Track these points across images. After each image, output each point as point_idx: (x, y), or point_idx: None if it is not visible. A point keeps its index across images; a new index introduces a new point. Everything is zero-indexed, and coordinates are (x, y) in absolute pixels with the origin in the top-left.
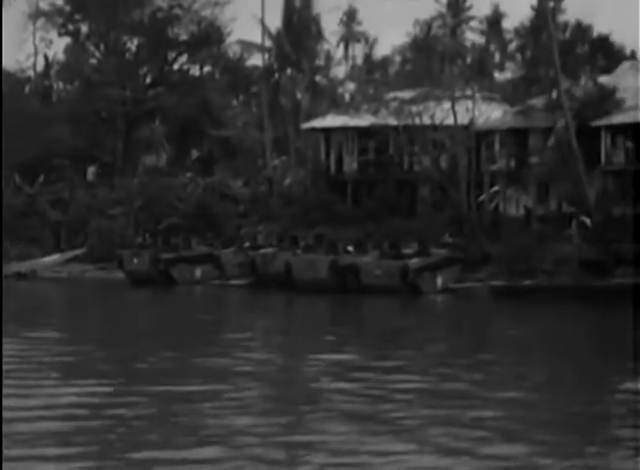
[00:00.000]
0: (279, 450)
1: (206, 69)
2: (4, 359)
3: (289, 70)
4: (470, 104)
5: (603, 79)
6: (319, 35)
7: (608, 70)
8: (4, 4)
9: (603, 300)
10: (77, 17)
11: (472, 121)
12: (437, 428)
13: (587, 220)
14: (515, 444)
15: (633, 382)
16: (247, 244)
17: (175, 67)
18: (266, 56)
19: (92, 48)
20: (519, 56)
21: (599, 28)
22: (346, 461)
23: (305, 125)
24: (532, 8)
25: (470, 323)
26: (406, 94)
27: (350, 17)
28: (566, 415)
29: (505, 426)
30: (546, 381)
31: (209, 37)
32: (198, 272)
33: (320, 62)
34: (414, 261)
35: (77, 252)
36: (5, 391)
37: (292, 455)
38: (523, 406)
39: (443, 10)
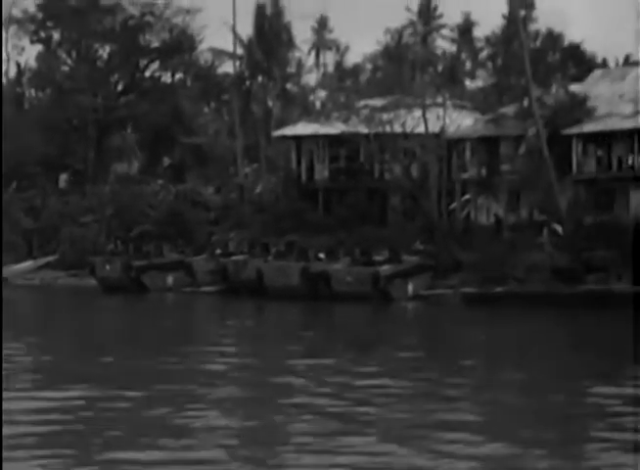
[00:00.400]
0: (255, 449)
1: (178, 76)
2: None
3: (260, 78)
4: (441, 112)
5: (574, 87)
6: (290, 43)
7: (579, 79)
8: None
9: (574, 306)
10: (49, 24)
11: (443, 130)
12: (411, 430)
13: (559, 228)
14: (492, 444)
15: (606, 386)
16: (218, 251)
17: (147, 74)
18: (237, 63)
19: (64, 55)
20: (490, 64)
21: (570, 37)
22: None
23: (276, 133)
24: (503, 16)
25: (441, 329)
26: (377, 102)
27: (322, 24)
28: (538, 417)
29: (479, 427)
30: (518, 385)
31: (181, 45)
32: (169, 279)
33: (291, 69)
34: (385, 268)
35: (49, 259)
36: None
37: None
38: (495, 409)
39: (414, 18)
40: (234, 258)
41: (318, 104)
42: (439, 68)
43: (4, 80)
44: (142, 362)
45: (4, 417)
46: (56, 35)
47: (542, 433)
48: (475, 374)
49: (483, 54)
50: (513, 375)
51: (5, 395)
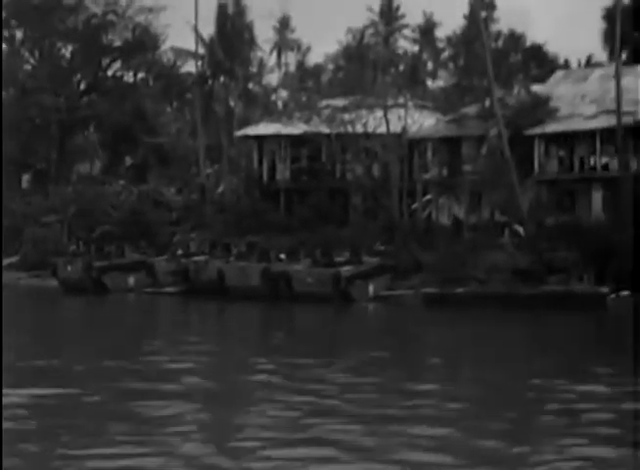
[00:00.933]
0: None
1: (140, 75)
2: None
3: (222, 78)
4: (402, 112)
5: (536, 88)
6: (252, 43)
7: (541, 80)
8: None
9: (535, 307)
10: (12, 23)
11: (404, 130)
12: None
13: (520, 229)
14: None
15: (568, 384)
16: (179, 251)
17: (109, 73)
18: (200, 63)
19: (27, 54)
20: (451, 64)
21: (533, 38)
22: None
23: (238, 133)
24: (465, 17)
25: (400, 330)
26: (339, 102)
27: (283, 24)
28: (495, 415)
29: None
30: (475, 385)
31: (143, 44)
32: (131, 280)
33: (253, 69)
34: (346, 269)
35: (12, 259)
36: None
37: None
38: (456, 405)
39: (376, 18)
40: (195, 258)
41: (280, 104)
42: (401, 68)
43: None
44: (94, 362)
45: None
46: (19, 34)
47: (498, 431)
48: (433, 373)
49: (445, 54)
50: (471, 374)
51: None
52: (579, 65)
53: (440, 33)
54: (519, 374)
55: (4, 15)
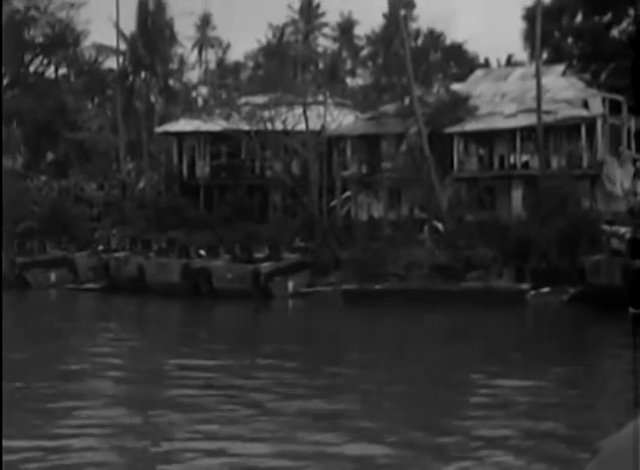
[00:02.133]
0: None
1: (62, 71)
2: None
3: (143, 74)
4: (322, 110)
5: (456, 87)
6: (173, 39)
7: (461, 78)
8: None
9: (454, 303)
10: None
11: (324, 127)
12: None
13: (439, 226)
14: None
15: (482, 379)
16: (100, 247)
17: (31, 69)
18: (121, 59)
19: None
20: (370, 63)
21: (454, 37)
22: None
23: (159, 129)
24: (384, 16)
25: (318, 326)
26: (258, 99)
27: (204, 21)
28: (410, 410)
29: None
30: (393, 380)
31: (65, 40)
32: (52, 276)
33: (174, 66)
34: (265, 266)
35: None
36: None
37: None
38: (370, 401)
39: (296, 16)
40: (116, 254)
41: (200, 100)
42: (321, 66)
43: None
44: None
45: None
46: None
47: (415, 426)
48: (349, 370)
49: (364, 53)
50: (387, 370)
51: None
52: (499, 64)
53: (360, 32)
54: (430, 368)
55: None
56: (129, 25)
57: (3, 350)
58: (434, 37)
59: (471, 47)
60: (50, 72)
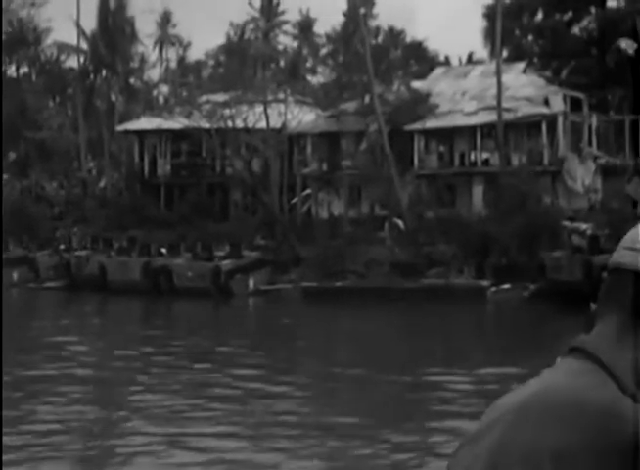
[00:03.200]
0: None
1: (23, 70)
2: None
3: (104, 72)
4: (282, 107)
5: (416, 84)
6: (134, 37)
7: (421, 76)
8: None
9: (414, 301)
10: None
11: (284, 125)
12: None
13: (400, 223)
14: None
15: (438, 376)
16: (62, 246)
17: None
18: (82, 58)
19: None
20: (331, 61)
21: (414, 35)
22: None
23: (120, 128)
24: (343, 14)
25: (278, 324)
26: (219, 97)
27: (165, 19)
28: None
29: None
30: (349, 377)
31: (26, 38)
32: (14, 275)
33: (135, 64)
34: (225, 263)
35: None
36: None
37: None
38: (330, 401)
39: (257, 14)
40: (77, 253)
41: (161, 99)
42: (281, 63)
43: None
44: None
45: None
46: None
47: (375, 424)
48: (307, 368)
49: (324, 50)
50: (346, 368)
51: None
52: (460, 62)
53: (320, 30)
54: (387, 366)
55: None
56: (90, 24)
57: None
58: (394, 35)
59: (431, 45)
60: (11, 71)
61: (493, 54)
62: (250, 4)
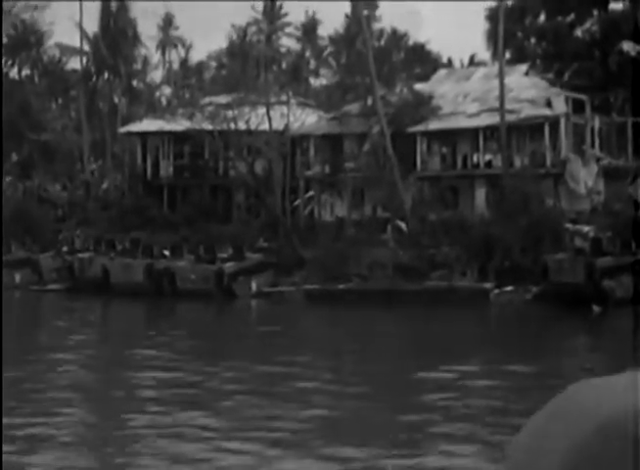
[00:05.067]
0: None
1: (26, 72)
2: None
3: (106, 74)
4: (285, 109)
5: (419, 86)
6: (136, 40)
7: (424, 78)
8: None
9: (417, 303)
10: None
11: (287, 127)
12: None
13: (403, 225)
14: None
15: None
16: (64, 248)
17: None
18: (84, 60)
19: None
20: (334, 63)
21: (416, 37)
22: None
23: (122, 129)
24: (347, 16)
25: (282, 326)
26: (222, 99)
27: (167, 22)
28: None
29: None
30: (355, 378)
31: (28, 41)
32: (17, 277)
33: (137, 66)
34: (229, 266)
35: None
36: None
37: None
38: (333, 403)
39: (259, 16)
40: (80, 255)
41: (164, 101)
42: (284, 66)
43: None
44: None
45: None
46: None
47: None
48: (310, 370)
49: (327, 52)
50: (351, 369)
51: None
52: (462, 64)
53: (323, 32)
54: (394, 369)
55: None
56: (92, 26)
57: None
58: (397, 37)
59: (434, 47)
60: (14, 73)
61: (496, 56)
62: (252, 6)
